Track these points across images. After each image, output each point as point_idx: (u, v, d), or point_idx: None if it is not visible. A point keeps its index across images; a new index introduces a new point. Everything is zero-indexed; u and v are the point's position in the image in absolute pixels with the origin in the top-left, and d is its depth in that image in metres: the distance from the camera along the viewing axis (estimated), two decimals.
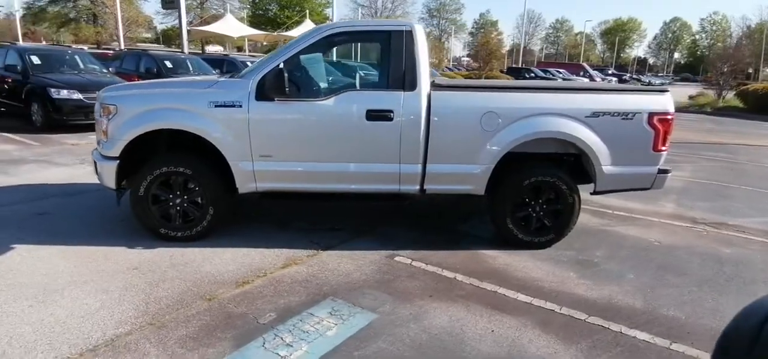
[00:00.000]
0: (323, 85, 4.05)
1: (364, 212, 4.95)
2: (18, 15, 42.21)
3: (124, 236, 4.10)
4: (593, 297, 3.42)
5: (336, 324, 2.91)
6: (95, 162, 4.04)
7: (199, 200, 4.03)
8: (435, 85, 4.11)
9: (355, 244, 4.18)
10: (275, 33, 38.73)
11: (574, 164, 4.40)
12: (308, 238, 4.27)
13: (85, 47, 28.76)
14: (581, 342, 2.84)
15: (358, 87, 4.15)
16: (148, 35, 64.92)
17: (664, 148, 4.17)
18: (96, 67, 10.78)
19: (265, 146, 3.93)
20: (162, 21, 57.66)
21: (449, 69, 37.56)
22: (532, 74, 31.27)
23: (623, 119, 4.04)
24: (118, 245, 3.93)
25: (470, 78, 27.84)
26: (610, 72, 45.61)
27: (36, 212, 4.67)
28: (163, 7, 50.23)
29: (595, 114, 4.02)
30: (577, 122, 4.02)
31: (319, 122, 3.93)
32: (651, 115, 4.05)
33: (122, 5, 40.34)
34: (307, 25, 36.09)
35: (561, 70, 34.53)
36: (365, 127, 3.91)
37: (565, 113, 4.03)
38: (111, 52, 20.52)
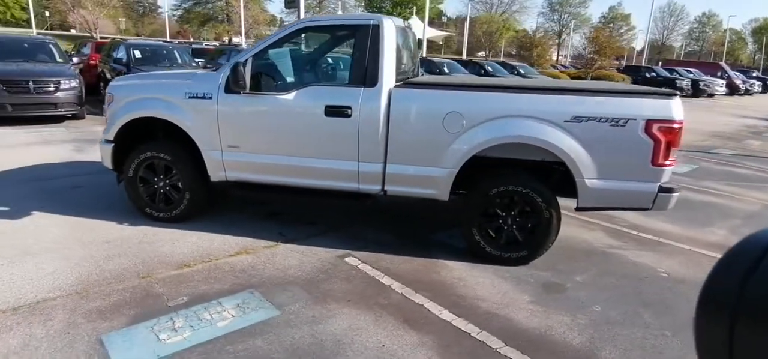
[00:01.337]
0: (288, 79, 4.07)
1: (349, 211, 4.90)
2: (166, 15, 48.64)
3: (122, 213, 4.54)
4: (530, 325, 3.01)
5: (234, 316, 2.95)
6: (99, 145, 4.54)
7: (179, 185, 4.33)
8: (405, 83, 3.92)
9: (318, 240, 4.17)
10: None
11: (564, 175, 3.89)
12: (279, 230, 4.35)
13: (205, 42, 32.06)
14: None
15: (320, 82, 4.10)
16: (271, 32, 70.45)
17: (667, 162, 3.51)
18: (188, 60, 12.02)
19: (233, 137, 4.09)
20: (285, 20, 62.10)
21: (554, 68, 35.15)
22: (653, 74, 28.02)
23: (613, 125, 3.48)
24: (110, 221, 4.37)
25: (576, 78, 25.84)
26: (754, 75, 39.09)
27: (73, 185, 5.38)
28: (285, 7, 54.44)
29: (578, 119, 3.52)
30: (553, 126, 3.55)
31: (280, 116, 3.97)
32: (649, 122, 3.43)
33: (249, 5, 44.37)
34: (414, 22, 36.39)
35: (692, 70, 30.41)
36: (324, 123, 3.87)
37: (539, 116, 3.59)
38: (212, 47, 22.64)
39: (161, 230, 4.21)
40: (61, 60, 10.31)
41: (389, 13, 54.08)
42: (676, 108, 3.46)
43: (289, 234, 4.26)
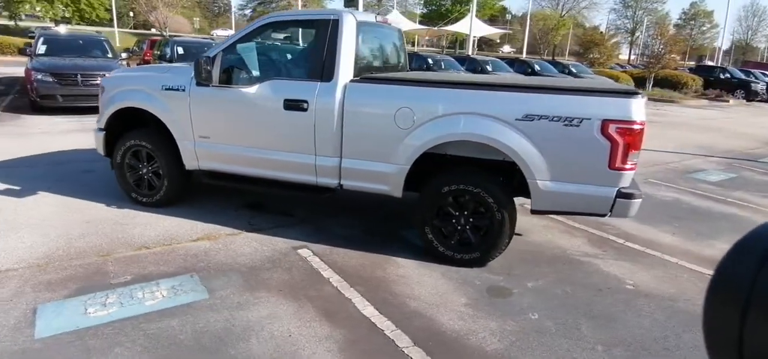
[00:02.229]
0: (253, 73, 4.16)
1: (329, 205, 4.94)
2: (233, 14, 51.03)
3: (115, 197, 4.86)
4: (451, 328, 2.92)
5: (164, 297, 3.09)
6: (94, 132, 4.89)
7: (160, 172, 4.57)
8: (362, 78, 3.91)
9: (283, 231, 4.25)
10: (436, 27, 39.37)
11: (524, 176, 3.72)
12: (250, 219, 4.48)
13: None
14: None
15: (283, 76, 4.16)
16: None
17: (626, 166, 3.26)
18: None
19: (203, 128, 4.26)
20: None
21: (616, 67, 33.12)
22: (727, 75, 25.77)
23: (566, 125, 3.29)
24: (100, 203, 4.70)
25: (639, 78, 24.33)
26: None
27: (86, 170, 5.82)
28: (345, 6, 55.40)
29: (529, 117, 3.36)
30: (504, 125, 3.41)
31: (244, 109, 4.09)
32: (606, 122, 3.21)
33: (309, 4, 45.55)
34: (469, 21, 35.82)
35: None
36: (282, 116, 3.94)
37: (490, 113, 3.46)
38: None
39: (142, 214, 4.48)
40: (110, 55, 11.15)
41: (448, 11, 53.59)
42: (636, 108, 3.21)
43: (258, 224, 4.39)
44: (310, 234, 4.21)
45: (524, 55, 48.75)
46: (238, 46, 4.17)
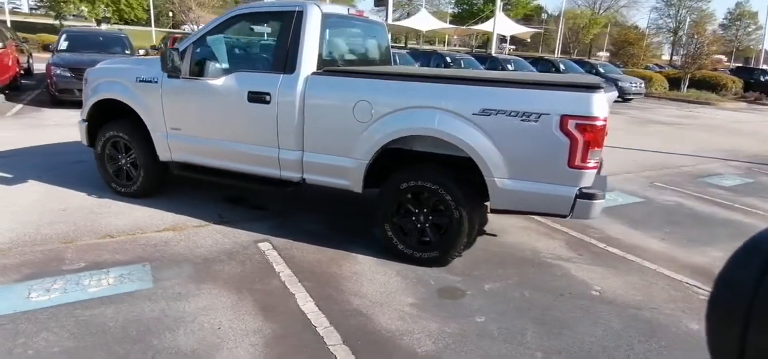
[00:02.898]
0: (221, 65, 4.14)
1: (307, 199, 4.89)
2: None
3: (98, 186, 4.96)
4: (388, 328, 2.81)
5: (109, 285, 3.11)
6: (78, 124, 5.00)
7: (137, 163, 4.64)
8: (325, 70, 3.84)
9: (250, 224, 4.23)
10: (464, 27, 38.91)
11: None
12: (221, 212, 4.48)
13: None
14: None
15: (248, 68, 4.11)
16: None
17: (587, 164, 3.08)
18: None
19: (175, 120, 4.29)
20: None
21: (656, 68, 31.78)
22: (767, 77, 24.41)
23: (523, 120, 3.13)
24: (82, 192, 4.80)
25: (674, 79, 23.35)
26: None
27: (78, 161, 5.97)
28: (375, 6, 55.49)
29: (486, 112, 3.21)
30: (460, 119, 3.28)
31: (211, 101, 4.09)
32: (565, 118, 3.04)
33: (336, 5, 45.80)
34: (500, 19, 35.24)
35: None
36: (246, 108, 3.92)
37: (447, 108, 3.33)
38: None
39: (118, 204, 4.55)
40: (128, 52, 11.47)
41: (479, 10, 52.90)
42: (597, 103, 3.02)
43: (228, 217, 4.38)
44: (277, 228, 4.17)
45: (558, 55, 47.60)
46: (208, 38, 4.16)
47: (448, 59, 16.15)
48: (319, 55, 3.85)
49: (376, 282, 3.36)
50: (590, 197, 3.13)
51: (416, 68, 4.48)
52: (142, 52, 12.97)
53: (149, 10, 44.31)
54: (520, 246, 4.10)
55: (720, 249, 4.27)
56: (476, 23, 38.03)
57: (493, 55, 19.53)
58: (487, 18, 39.18)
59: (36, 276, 3.16)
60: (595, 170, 3.16)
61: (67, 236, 3.80)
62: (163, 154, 4.43)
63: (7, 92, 11.38)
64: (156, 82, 4.27)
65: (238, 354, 2.51)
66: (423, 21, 35.80)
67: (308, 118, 3.74)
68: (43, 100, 10.72)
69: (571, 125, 3.04)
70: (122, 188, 4.73)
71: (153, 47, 22.15)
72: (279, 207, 4.69)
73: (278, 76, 3.81)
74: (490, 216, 4.63)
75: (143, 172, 4.59)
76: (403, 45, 50.40)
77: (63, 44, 11.04)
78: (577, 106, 3.04)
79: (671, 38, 68.43)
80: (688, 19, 60.79)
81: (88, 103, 4.71)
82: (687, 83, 22.22)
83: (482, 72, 4.81)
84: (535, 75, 4.90)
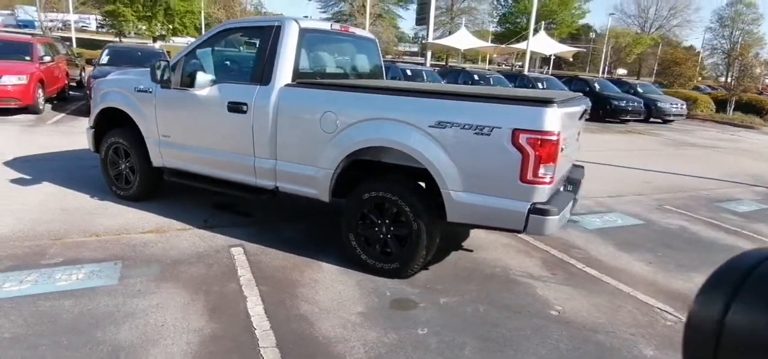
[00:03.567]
0: (207, 77, 4.31)
1: (295, 209, 5.00)
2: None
3: (102, 190, 5.26)
4: (325, 334, 2.84)
5: (77, 280, 3.29)
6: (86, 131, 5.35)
7: (134, 168, 4.90)
8: (298, 82, 3.95)
9: (230, 230, 4.37)
10: (503, 45, 38.54)
11: None
12: (208, 217, 4.65)
13: None
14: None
15: (230, 79, 4.27)
16: (413, 48, 72.79)
17: (539, 178, 3.02)
18: None
19: (165, 127, 4.52)
20: (414, 37, 63.69)
21: (708, 89, 30.15)
22: None
23: (476, 133, 3.12)
24: (87, 195, 5.12)
25: (719, 100, 22.23)
26: None
27: (93, 165, 6.33)
28: (417, 24, 55.95)
29: (442, 124, 3.22)
30: (418, 131, 3.30)
31: (196, 110, 4.28)
32: (516, 132, 3.00)
33: (378, 22, 46.49)
34: (539, 38, 34.78)
35: None
36: (226, 117, 4.08)
37: (406, 119, 3.36)
38: None
39: (115, 206, 4.81)
40: None
41: (522, 29, 52.23)
42: (550, 118, 2.97)
43: (212, 222, 4.55)
44: (256, 234, 4.29)
45: (604, 74, 46.20)
46: (197, 51, 4.39)
47: (476, 76, 16.06)
48: (295, 68, 3.97)
49: (332, 290, 3.39)
50: (543, 212, 3.06)
51: (381, 82, 4.52)
52: None
53: (201, 28, 46.48)
54: (493, 262, 4.03)
55: (707, 275, 4.02)
56: (516, 41, 37.58)
57: (524, 73, 19.23)
58: (526, 37, 38.72)
59: (15, 268, 3.40)
60: (550, 185, 3.09)
61: (57, 234, 4.06)
62: (156, 160, 4.67)
63: (55, 101, 12.27)
64: (151, 92, 4.52)
65: (171, 350, 2.61)
66: (462, 39, 35.74)
67: (280, 128, 3.86)
68: (84, 110, 11.46)
69: (522, 139, 3.00)
70: (121, 191, 5.01)
71: None
72: (262, 215, 4.83)
73: (255, 88, 3.96)
74: (472, 232, 4.59)
75: (139, 176, 4.84)
76: (444, 63, 50.52)
77: (104, 58, 11.80)
78: (528, 120, 3.00)
79: (726, 59, 65.13)
80: (740, 41, 57.78)
81: (95, 111, 5.04)
82: (733, 106, 21.05)
83: (441, 85, 4.76)
84: (488, 89, 4.83)
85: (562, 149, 3.12)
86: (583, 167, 4.59)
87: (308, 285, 3.44)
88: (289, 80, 3.91)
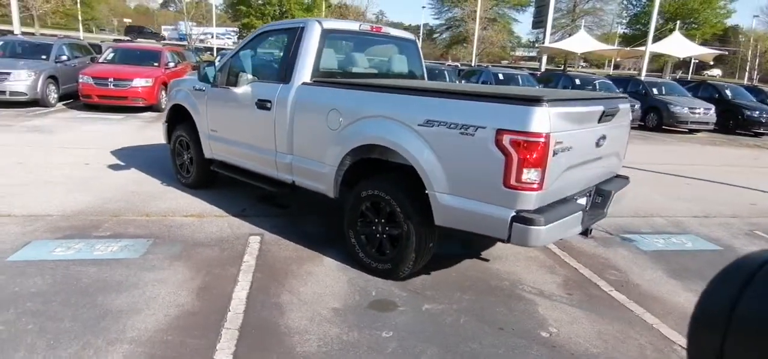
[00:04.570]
0: (246, 75, 4.60)
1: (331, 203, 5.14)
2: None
3: (172, 177, 5.91)
4: (289, 324, 2.91)
5: (111, 251, 3.77)
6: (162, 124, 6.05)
7: (192, 160, 5.44)
8: (315, 80, 4.07)
9: (260, 220, 4.65)
10: (629, 48, 35.16)
11: None
12: (247, 207, 5.00)
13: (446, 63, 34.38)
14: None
15: (261, 79, 4.47)
16: (533, 53, 69.95)
17: (523, 184, 2.77)
18: None
19: (213, 123, 4.95)
20: (532, 42, 60.94)
21: None
22: None
23: (462, 133, 2.96)
24: (158, 180, 5.80)
25: None
26: None
27: None
28: (533, 27, 53.53)
29: (430, 123, 3.12)
30: (408, 129, 3.23)
31: (232, 107, 4.63)
32: (500, 132, 2.80)
33: (491, 27, 45.49)
34: (672, 40, 31.24)
35: None
36: (255, 114, 4.35)
37: (398, 118, 3.30)
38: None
39: (176, 192, 5.39)
40: None
41: (655, 30, 47.27)
42: (537, 118, 2.71)
43: (248, 212, 4.88)
44: (280, 226, 4.51)
45: (754, 81, 39.87)
46: (241, 52, 4.74)
47: (577, 81, 14.93)
48: (316, 68, 4.11)
49: (321, 283, 3.45)
50: (527, 221, 2.79)
51: (379, 80, 4.44)
52: None
53: None
54: (505, 275, 3.76)
55: None
56: (642, 44, 34.03)
57: (637, 77, 17.36)
58: (658, 38, 34.94)
59: (71, 237, 4.00)
60: (537, 192, 2.81)
61: (117, 212, 4.68)
62: (207, 151, 5.14)
63: None
64: (204, 90, 5.00)
65: (147, 320, 2.87)
66: (580, 42, 33.41)
67: (296, 124, 4.02)
68: None
69: (506, 140, 2.77)
70: (183, 179, 5.60)
71: None
72: (296, 209, 5.04)
73: (278, 86, 4.17)
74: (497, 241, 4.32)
75: (195, 166, 5.37)
76: (562, 68, 47.66)
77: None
78: (512, 120, 2.77)
79: None
80: None
81: (167, 107, 5.69)
82: None
83: (432, 82, 4.46)
84: (479, 87, 4.43)
85: (555, 154, 2.82)
86: (627, 178, 4.07)
87: (300, 277, 3.53)
88: (308, 79, 4.06)
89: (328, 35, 4.20)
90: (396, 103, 3.35)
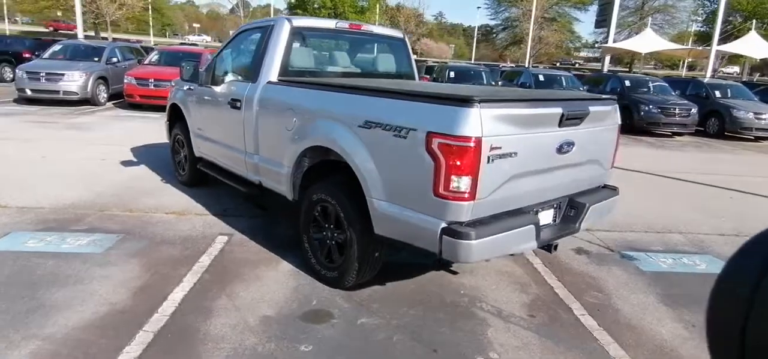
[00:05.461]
0: (221, 75, 4.56)
1: None
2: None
3: (172, 174, 6.03)
4: (207, 330, 2.80)
5: (77, 245, 3.85)
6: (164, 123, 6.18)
7: (186, 157, 5.51)
8: (280, 80, 3.95)
9: (236, 220, 4.60)
10: (701, 47, 32.51)
11: None
12: (229, 207, 4.98)
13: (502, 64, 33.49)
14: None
15: (236, 78, 4.40)
16: (586, 54, 66.79)
17: (452, 193, 2.51)
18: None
19: (198, 121, 4.99)
20: (590, 42, 58.09)
21: None
22: None
23: (396, 135, 2.74)
24: (159, 177, 5.94)
25: None
26: None
27: None
28: (596, 27, 50.90)
29: (368, 124, 2.91)
30: (349, 131, 3.03)
31: (212, 106, 4.62)
32: (430, 135, 2.55)
33: (551, 27, 43.90)
34: (751, 38, 28.59)
35: None
36: (229, 113, 4.31)
37: (341, 118, 3.12)
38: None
39: (171, 189, 5.49)
40: None
41: (734, 27, 43.67)
42: (465, 120, 2.44)
43: (229, 212, 4.85)
44: (254, 227, 4.44)
45: None
46: (223, 52, 4.74)
47: (627, 83, 13.92)
48: (284, 67, 3.99)
49: (265, 289, 3.32)
50: (456, 234, 2.51)
51: (353, 80, 4.20)
52: None
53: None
54: (467, 290, 3.46)
55: None
56: (725, 41, 31.38)
57: (700, 79, 15.91)
58: (735, 37, 32.10)
59: (48, 230, 4.13)
60: (468, 202, 2.52)
61: (104, 206, 4.80)
62: (196, 150, 5.18)
63: None
64: (192, 89, 5.05)
65: (75, 317, 2.86)
66: (645, 42, 31.33)
67: (260, 124, 3.93)
68: None
69: (435, 144, 2.52)
70: (180, 176, 5.70)
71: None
72: (278, 210, 4.95)
73: (247, 85, 4.10)
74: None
75: (188, 164, 5.44)
76: (628, 69, 45.00)
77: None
78: (441, 122, 2.51)
79: None
80: None
81: (167, 106, 5.82)
82: None
83: (377, 82, 4.13)
84: (419, 86, 4.01)
85: (491, 160, 2.52)
86: (615, 189, 3.64)
87: (247, 281, 3.43)
88: (274, 78, 3.95)
89: (297, 33, 4.08)
90: (341, 103, 3.16)
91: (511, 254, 3.71)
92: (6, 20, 47.40)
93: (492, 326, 3.02)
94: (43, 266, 3.46)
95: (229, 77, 4.44)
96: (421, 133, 2.58)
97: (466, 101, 2.46)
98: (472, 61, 48.19)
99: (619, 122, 3.53)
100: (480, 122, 2.44)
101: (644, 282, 3.77)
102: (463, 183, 2.48)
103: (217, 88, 4.50)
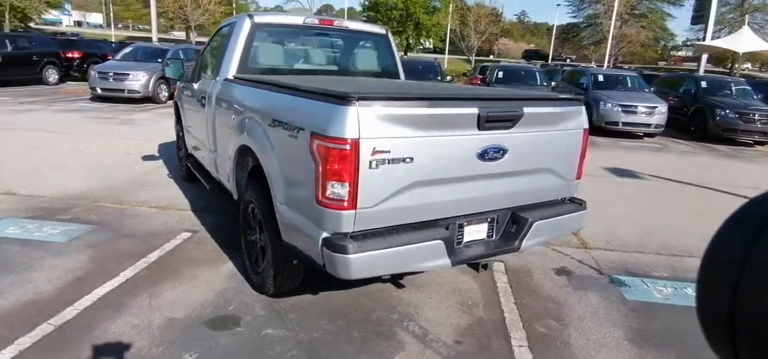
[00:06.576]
0: (203, 72, 4.57)
1: None
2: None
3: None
4: (111, 329, 2.77)
5: (48, 233, 4.04)
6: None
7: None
8: (235, 77, 3.87)
9: (210, 216, 4.62)
10: None
11: None
12: (208, 203, 5.00)
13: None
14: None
15: (209, 75, 4.36)
16: (684, 53, 61.14)
17: (329, 200, 2.27)
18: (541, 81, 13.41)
19: (186, 119, 5.08)
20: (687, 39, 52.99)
21: None
22: None
23: (290, 135, 2.55)
24: (168, 171, 6.16)
25: None
26: None
27: None
28: (692, 23, 46.44)
29: (274, 122, 2.74)
30: (262, 129, 2.89)
31: (192, 102, 4.67)
32: (313, 136, 2.34)
33: (638, 24, 40.70)
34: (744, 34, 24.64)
35: None
36: (199, 109, 4.34)
37: (258, 116, 3.00)
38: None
39: (169, 184, 5.66)
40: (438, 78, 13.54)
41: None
42: (342, 119, 2.19)
43: (210, 208, 4.89)
44: (225, 225, 4.40)
45: None
46: (205, 49, 4.78)
47: (703, 84, 12.44)
48: (242, 64, 3.91)
49: (191, 289, 3.26)
50: (334, 248, 2.26)
51: (318, 78, 3.97)
52: (448, 79, 14.81)
53: (445, 40, 49.09)
54: (403, 306, 3.16)
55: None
56: None
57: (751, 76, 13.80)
58: None
59: (33, 218, 4.39)
60: (348, 211, 2.26)
61: (97, 198, 5.03)
62: (189, 146, 5.29)
63: None
64: (184, 87, 5.15)
65: (11, 299, 2.97)
66: (741, 41, 28.04)
67: (216, 120, 3.89)
68: None
69: (314, 145, 2.29)
70: (182, 172, 5.86)
71: (464, 74, 25.02)
72: None
73: (211, 82, 4.09)
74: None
75: (185, 163, 5.57)
76: (729, 70, 40.57)
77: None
78: (320, 121, 2.28)
79: None
80: None
81: (174, 104, 6.02)
82: None
83: (345, 80, 3.75)
84: (317, 82, 3.53)
85: (375, 165, 2.23)
86: (580, 203, 3.15)
87: (180, 280, 3.38)
88: (231, 75, 3.89)
89: (260, 30, 3.99)
90: (260, 100, 3.02)
91: (420, 272, 3.31)
92: (112, 27, 52.80)
93: (406, 351, 2.71)
94: (6, 252, 3.66)
95: (204, 75, 4.47)
96: (307, 133, 2.36)
97: (342, 99, 2.21)
98: (550, 61, 45.96)
99: (586, 126, 3.05)
100: (357, 122, 2.17)
101: (620, 314, 3.24)
102: (339, 190, 2.23)
103: (196, 86, 4.55)
